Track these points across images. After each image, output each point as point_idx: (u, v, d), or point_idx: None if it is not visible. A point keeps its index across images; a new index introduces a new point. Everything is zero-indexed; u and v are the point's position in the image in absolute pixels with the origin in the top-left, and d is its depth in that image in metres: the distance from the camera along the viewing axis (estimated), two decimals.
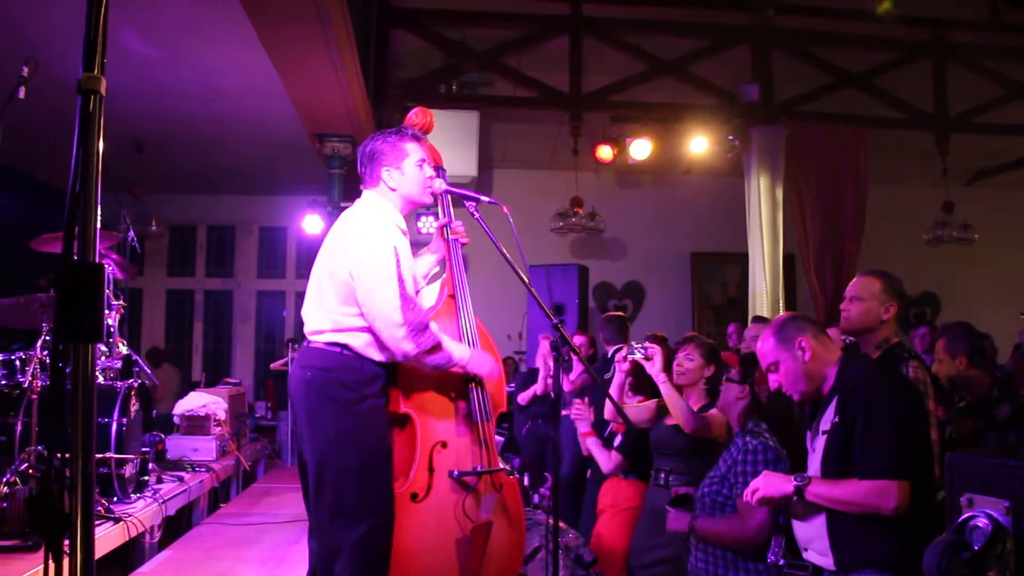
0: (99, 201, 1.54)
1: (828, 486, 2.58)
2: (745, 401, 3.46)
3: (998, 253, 10.17)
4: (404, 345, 3.08)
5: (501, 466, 3.56)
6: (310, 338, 3.23)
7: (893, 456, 2.47)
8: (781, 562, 2.88)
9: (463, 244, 3.64)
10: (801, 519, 2.74)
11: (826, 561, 2.64)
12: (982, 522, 1.84)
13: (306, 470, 3.25)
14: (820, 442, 2.70)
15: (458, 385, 3.41)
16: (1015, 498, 1.84)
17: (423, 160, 3.38)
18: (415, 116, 3.68)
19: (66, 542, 1.49)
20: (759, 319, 5.72)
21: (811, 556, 2.74)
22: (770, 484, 2.72)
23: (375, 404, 3.19)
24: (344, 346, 3.16)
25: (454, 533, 3.30)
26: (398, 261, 3.13)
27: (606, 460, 4.36)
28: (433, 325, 3.21)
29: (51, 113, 4.55)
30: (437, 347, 3.16)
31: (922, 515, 2.51)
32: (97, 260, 1.53)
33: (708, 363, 3.98)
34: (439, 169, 3.65)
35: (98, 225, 1.56)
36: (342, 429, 3.09)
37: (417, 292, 3.46)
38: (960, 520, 1.91)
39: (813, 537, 2.69)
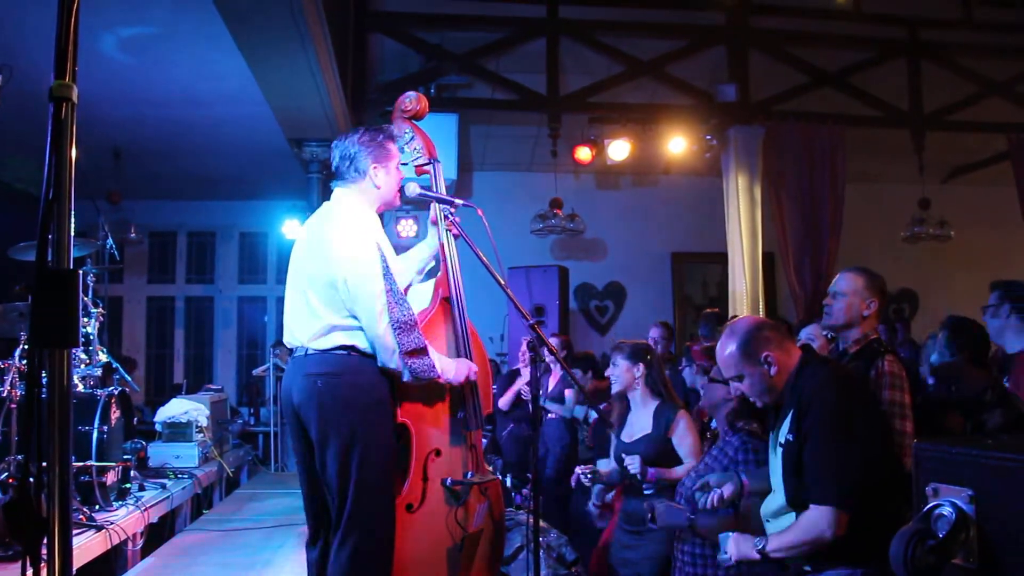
0: (72, 207, 1.55)
1: (777, 539, 2.62)
2: (733, 403, 3.45)
3: (975, 249, 10.25)
4: (388, 341, 3.02)
5: (490, 472, 3.56)
6: (308, 345, 3.14)
7: (835, 483, 2.48)
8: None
9: (455, 235, 3.53)
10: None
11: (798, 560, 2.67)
12: (946, 510, 1.88)
13: (313, 479, 3.18)
14: (778, 456, 2.73)
15: (454, 393, 3.39)
16: (978, 486, 1.87)
17: (400, 163, 3.40)
18: (410, 102, 3.60)
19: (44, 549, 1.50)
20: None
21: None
22: (738, 550, 2.73)
23: (387, 407, 3.16)
24: (350, 348, 3.11)
25: (446, 542, 3.29)
26: (383, 257, 3.12)
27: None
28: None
29: (27, 120, 4.52)
30: (422, 351, 3.09)
31: (891, 510, 2.54)
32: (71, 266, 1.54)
33: (634, 363, 4.00)
34: (434, 160, 3.63)
35: (72, 231, 1.57)
36: (362, 433, 3.04)
37: (408, 287, 3.46)
38: (925, 509, 1.95)
39: None
